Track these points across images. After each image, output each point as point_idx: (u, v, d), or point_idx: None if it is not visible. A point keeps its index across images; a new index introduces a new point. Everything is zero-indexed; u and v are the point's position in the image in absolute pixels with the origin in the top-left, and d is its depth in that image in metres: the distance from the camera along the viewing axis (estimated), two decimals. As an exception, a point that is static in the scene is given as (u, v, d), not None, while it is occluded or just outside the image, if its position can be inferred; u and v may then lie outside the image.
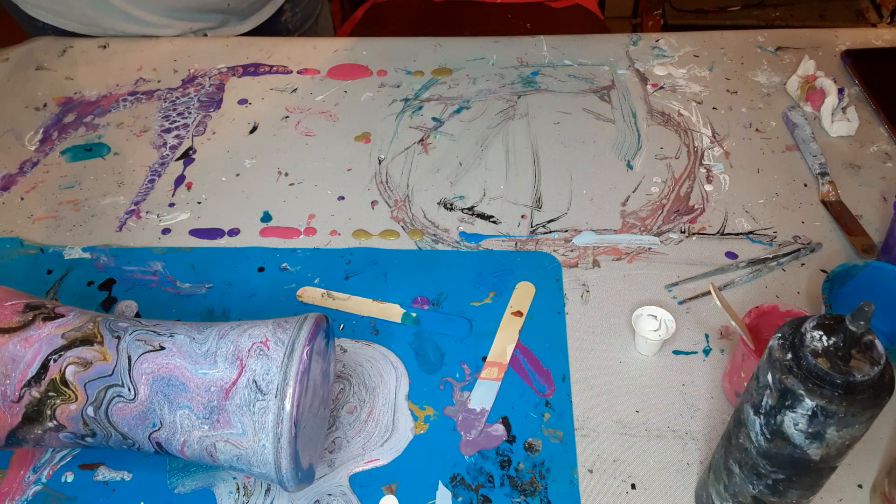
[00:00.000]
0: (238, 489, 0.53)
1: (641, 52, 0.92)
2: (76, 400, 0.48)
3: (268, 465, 0.47)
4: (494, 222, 0.72)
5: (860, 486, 0.52)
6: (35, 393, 0.48)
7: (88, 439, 0.49)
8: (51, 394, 0.48)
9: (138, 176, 0.78)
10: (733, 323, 0.53)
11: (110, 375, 0.48)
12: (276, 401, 0.46)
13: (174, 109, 0.86)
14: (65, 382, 0.48)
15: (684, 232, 0.70)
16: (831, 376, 0.37)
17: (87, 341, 0.50)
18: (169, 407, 0.48)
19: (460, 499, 0.52)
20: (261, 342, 0.48)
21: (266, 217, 0.73)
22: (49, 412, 0.48)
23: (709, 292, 0.64)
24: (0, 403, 0.48)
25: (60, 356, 0.49)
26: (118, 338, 0.50)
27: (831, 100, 0.79)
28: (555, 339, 0.62)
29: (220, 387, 0.47)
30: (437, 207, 0.73)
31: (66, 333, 0.50)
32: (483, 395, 0.58)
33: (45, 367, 0.48)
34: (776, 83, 0.87)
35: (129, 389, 0.48)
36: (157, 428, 0.48)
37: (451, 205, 0.74)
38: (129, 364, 0.49)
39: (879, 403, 0.38)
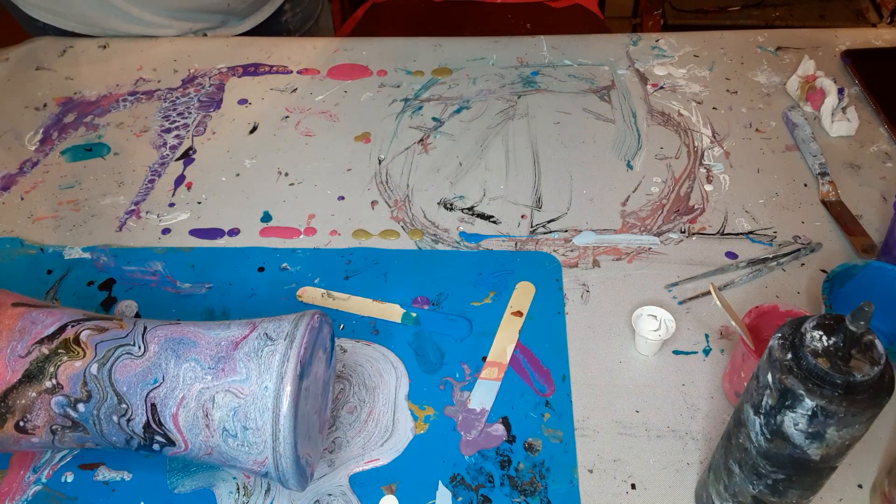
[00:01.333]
0: (238, 489, 0.53)
1: (641, 52, 0.92)
2: (83, 357, 0.49)
3: (265, 413, 0.46)
4: (494, 222, 0.72)
5: (860, 486, 0.52)
6: (44, 349, 0.49)
7: (80, 406, 0.49)
8: (60, 351, 0.49)
9: (138, 176, 0.78)
10: (733, 323, 0.53)
11: (123, 338, 0.50)
12: (284, 342, 0.48)
13: (174, 109, 0.86)
14: (77, 342, 0.49)
15: (684, 232, 0.70)
16: (831, 376, 0.37)
17: (107, 319, 0.52)
18: (175, 361, 0.48)
19: (460, 499, 0.52)
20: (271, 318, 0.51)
21: (266, 217, 0.73)
22: (52, 369, 0.49)
23: (709, 292, 0.64)
24: (7, 358, 0.48)
25: (79, 324, 0.50)
26: (136, 319, 0.52)
27: (831, 100, 0.79)
28: (555, 339, 0.62)
29: (230, 341, 0.49)
30: (437, 207, 0.73)
31: (89, 313, 0.52)
32: (483, 395, 0.58)
33: (62, 329, 0.50)
34: (776, 83, 0.87)
35: (140, 348, 0.49)
36: (156, 385, 0.48)
37: (451, 205, 0.74)
38: (144, 330, 0.50)
39: (879, 403, 0.38)
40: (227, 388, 0.47)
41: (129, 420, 0.49)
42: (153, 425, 0.48)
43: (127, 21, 0.95)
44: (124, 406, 0.49)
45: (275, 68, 0.91)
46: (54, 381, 0.49)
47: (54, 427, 0.49)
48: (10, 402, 0.49)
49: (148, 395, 0.48)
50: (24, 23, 0.99)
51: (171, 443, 0.49)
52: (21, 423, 0.49)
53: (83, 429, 0.49)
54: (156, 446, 0.49)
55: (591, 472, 0.54)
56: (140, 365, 0.49)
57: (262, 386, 0.47)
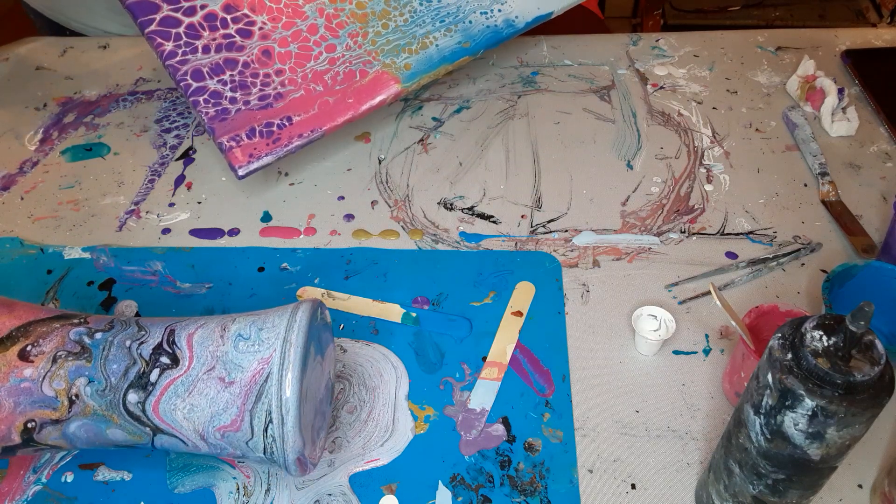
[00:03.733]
0: (238, 489, 0.53)
1: (641, 52, 0.92)
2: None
3: (283, 315, 0.49)
4: (494, 222, 0.72)
5: (860, 486, 0.52)
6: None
7: (98, 335, 0.50)
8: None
9: (138, 176, 0.78)
10: (733, 323, 0.53)
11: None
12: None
13: (174, 109, 0.86)
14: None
15: (684, 232, 0.70)
16: (831, 376, 0.37)
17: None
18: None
19: (460, 499, 0.52)
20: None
21: (266, 217, 0.73)
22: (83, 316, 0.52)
23: (709, 292, 0.64)
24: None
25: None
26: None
27: (831, 100, 0.79)
28: (555, 339, 0.62)
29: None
30: (437, 207, 0.73)
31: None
32: (483, 395, 0.58)
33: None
34: (776, 83, 0.87)
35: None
36: (180, 319, 0.51)
37: (451, 205, 0.74)
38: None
39: (879, 403, 0.38)
40: (245, 315, 0.51)
41: (140, 343, 0.49)
42: (164, 345, 0.49)
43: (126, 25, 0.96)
44: (143, 333, 0.50)
45: (275, 68, 0.91)
46: (83, 318, 0.51)
47: (59, 354, 0.49)
48: (30, 329, 0.50)
49: (169, 325, 0.51)
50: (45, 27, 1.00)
51: (174, 362, 0.49)
52: (28, 348, 0.49)
53: (87, 356, 0.49)
54: (154, 373, 0.48)
55: (591, 472, 0.54)
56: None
57: (279, 313, 0.50)
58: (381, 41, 0.71)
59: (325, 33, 0.71)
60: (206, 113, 0.67)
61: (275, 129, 0.68)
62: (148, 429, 0.48)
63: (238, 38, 0.70)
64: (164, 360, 0.49)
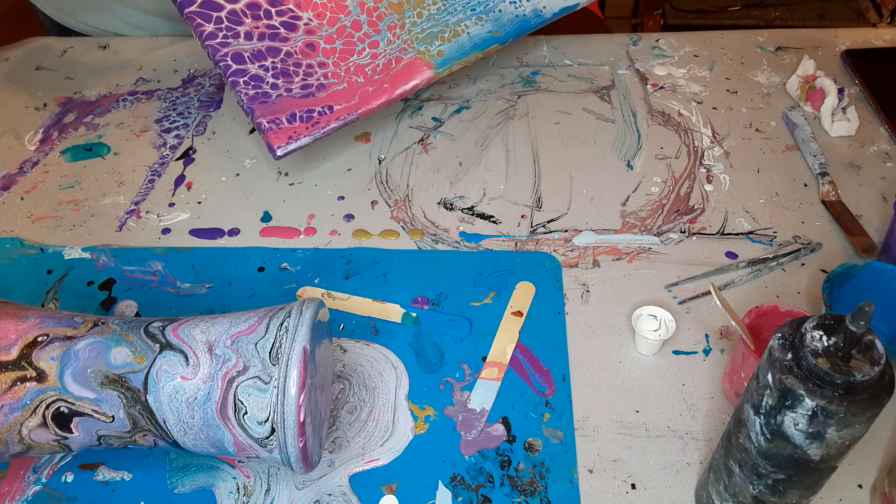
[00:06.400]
0: (238, 489, 0.53)
1: (641, 52, 0.92)
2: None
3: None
4: (494, 222, 0.72)
5: (860, 486, 0.52)
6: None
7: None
8: None
9: (138, 176, 0.78)
10: (733, 323, 0.53)
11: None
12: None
13: (174, 109, 0.86)
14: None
15: (684, 232, 0.70)
16: (831, 376, 0.37)
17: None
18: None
19: (460, 499, 0.52)
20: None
21: (266, 217, 0.73)
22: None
23: (709, 292, 0.64)
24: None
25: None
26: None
27: (831, 100, 0.79)
28: (555, 339, 0.62)
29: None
30: (437, 207, 0.73)
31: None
32: (483, 395, 0.58)
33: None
34: (776, 83, 0.87)
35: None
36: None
37: (451, 205, 0.74)
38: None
39: (879, 403, 0.38)
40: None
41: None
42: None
43: (128, 25, 0.96)
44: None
45: (275, 68, 0.91)
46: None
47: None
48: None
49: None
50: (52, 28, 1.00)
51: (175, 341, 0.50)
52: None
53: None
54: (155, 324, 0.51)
55: (591, 472, 0.54)
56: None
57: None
58: (416, 30, 0.72)
59: (368, 30, 0.72)
60: (246, 93, 0.68)
61: (315, 115, 0.68)
62: (157, 346, 0.49)
63: (282, 30, 0.70)
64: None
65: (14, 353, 0.48)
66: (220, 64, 0.68)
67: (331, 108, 0.69)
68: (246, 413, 0.47)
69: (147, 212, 0.74)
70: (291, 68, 0.70)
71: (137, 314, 0.64)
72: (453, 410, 0.57)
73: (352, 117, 0.70)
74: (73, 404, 0.48)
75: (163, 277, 0.67)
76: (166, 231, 0.72)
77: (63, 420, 0.48)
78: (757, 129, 0.81)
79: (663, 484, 0.53)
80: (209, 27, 0.68)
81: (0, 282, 0.67)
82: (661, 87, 0.87)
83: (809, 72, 0.83)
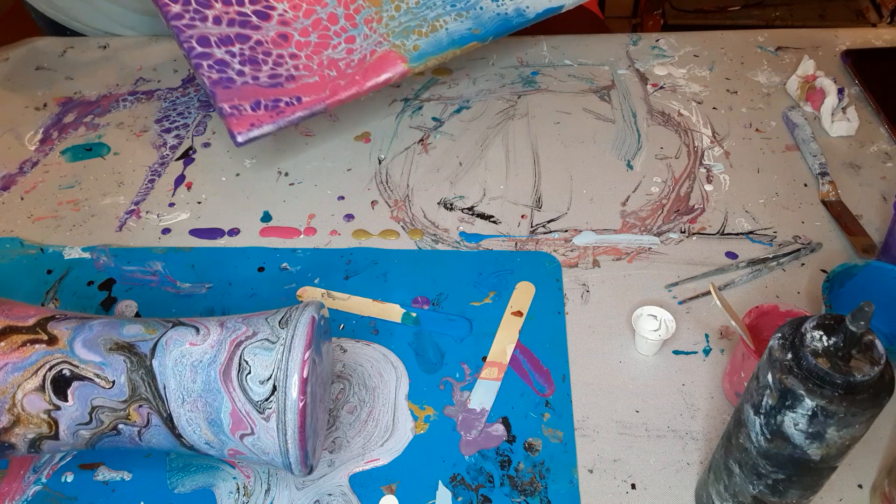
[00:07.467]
0: (238, 489, 0.53)
1: (641, 52, 0.92)
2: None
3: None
4: (494, 222, 0.72)
5: (860, 486, 0.52)
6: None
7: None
8: None
9: (138, 176, 0.78)
10: (733, 323, 0.53)
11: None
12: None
13: (174, 109, 0.86)
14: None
15: (684, 232, 0.70)
16: (831, 376, 0.37)
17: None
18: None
19: (460, 499, 0.52)
20: None
21: (266, 217, 0.73)
22: None
23: (709, 292, 0.64)
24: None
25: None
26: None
27: (831, 100, 0.79)
28: (555, 339, 0.62)
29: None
30: (437, 207, 0.73)
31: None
32: (483, 395, 0.58)
33: None
34: (776, 83, 0.87)
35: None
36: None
37: (451, 205, 0.74)
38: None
39: (879, 403, 0.38)
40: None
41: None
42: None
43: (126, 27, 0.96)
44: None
45: (275, 68, 0.91)
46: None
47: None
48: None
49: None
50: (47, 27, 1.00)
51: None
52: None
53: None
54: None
55: (591, 472, 0.54)
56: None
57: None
58: (394, 24, 0.71)
59: (345, 24, 0.71)
60: (209, 77, 0.67)
61: (282, 104, 0.68)
62: (170, 324, 0.50)
63: (254, 18, 0.69)
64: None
65: (30, 322, 0.49)
66: (185, 45, 0.67)
67: (299, 99, 0.68)
68: (249, 373, 0.47)
69: (147, 212, 0.74)
70: (261, 56, 0.68)
71: (137, 314, 0.64)
72: (453, 410, 0.57)
73: (319, 107, 0.69)
74: (77, 367, 0.48)
75: (163, 277, 0.67)
76: (166, 231, 0.72)
77: (61, 385, 0.48)
78: (757, 129, 0.81)
79: (663, 484, 0.53)
80: (175, 7, 0.67)
81: (0, 282, 0.67)
82: (661, 87, 0.87)
83: (809, 72, 0.83)
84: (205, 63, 0.67)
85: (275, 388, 0.47)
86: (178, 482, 0.54)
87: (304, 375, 0.47)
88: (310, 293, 0.66)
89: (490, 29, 0.76)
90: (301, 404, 0.46)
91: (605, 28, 1.22)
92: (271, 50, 0.69)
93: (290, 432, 0.47)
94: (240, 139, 0.67)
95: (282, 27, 0.70)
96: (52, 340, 0.48)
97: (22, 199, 0.76)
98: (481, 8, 0.75)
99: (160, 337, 0.49)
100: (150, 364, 0.48)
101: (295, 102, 0.68)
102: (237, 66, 0.67)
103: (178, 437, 0.49)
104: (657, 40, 0.94)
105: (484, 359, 0.60)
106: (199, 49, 0.67)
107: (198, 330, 0.49)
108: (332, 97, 0.70)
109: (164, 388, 0.48)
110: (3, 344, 0.48)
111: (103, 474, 0.54)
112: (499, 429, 0.56)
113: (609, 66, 0.90)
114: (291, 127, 0.82)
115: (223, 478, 0.54)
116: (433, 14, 0.72)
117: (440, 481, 0.53)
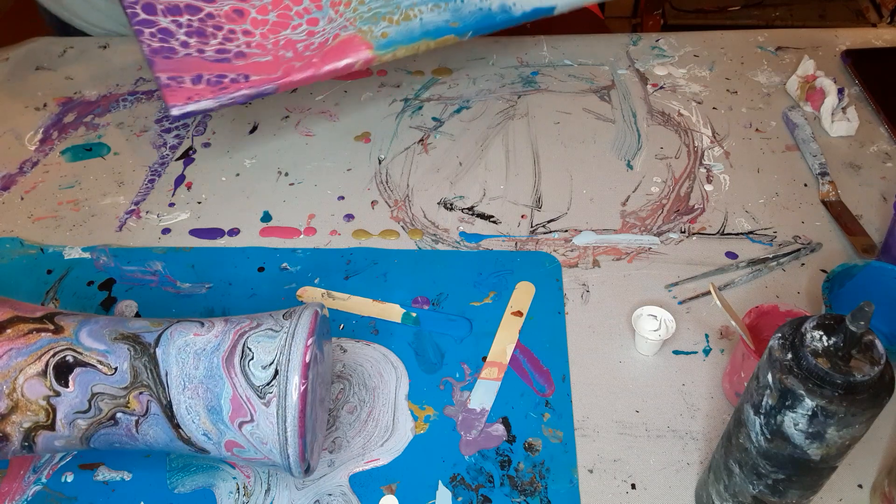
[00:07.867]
0: (238, 489, 0.53)
1: (641, 52, 0.92)
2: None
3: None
4: (494, 222, 0.72)
5: (860, 486, 0.52)
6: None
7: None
8: None
9: (138, 176, 0.78)
10: (733, 323, 0.53)
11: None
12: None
13: (174, 109, 0.85)
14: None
15: (684, 232, 0.70)
16: (831, 376, 0.37)
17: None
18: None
19: (460, 499, 0.52)
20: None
21: (266, 217, 0.73)
22: None
23: (709, 292, 0.64)
24: None
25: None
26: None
27: (831, 100, 0.79)
28: (555, 339, 0.62)
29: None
30: (437, 207, 0.73)
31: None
32: (483, 395, 0.58)
33: None
34: (776, 83, 0.87)
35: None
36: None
37: (451, 205, 0.74)
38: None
39: (879, 403, 0.38)
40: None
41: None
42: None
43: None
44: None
45: (275, 68, 0.91)
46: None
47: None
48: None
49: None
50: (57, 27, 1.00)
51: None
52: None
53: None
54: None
55: (591, 472, 0.54)
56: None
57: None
58: (363, 9, 0.68)
59: (309, 5, 0.67)
60: (149, 45, 0.64)
61: (226, 81, 0.65)
62: (175, 320, 0.51)
63: None
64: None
65: (38, 314, 0.50)
66: (128, 11, 0.64)
67: (247, 77, 0.65)
68: (252, 359, 0.48)
69: (147, 212, 0.74)
70: (210, 29, 0.66)
71: (137, 314, 0.64)
72: (453, 410, 0.57)
73: (269, 88, 0.66)
74: (81, 354, 0.48)
75: (163, 277, 0.67)
76: (166, 231, 0.72)
77: (63, 371, 0.48)
78: (757, 129, 0.81)
79: (663, 484, 0.53)
80: None
81: (0, 282, 0.67)
82: (661, 87, 0.87)
83: (809, 72, 0.83)
84: (146, 30, 0.64)
85: (276, 372, 0.47)
86: (178, 482, 0.54)
87: (307, 360, 0.47)
88: (310, 293, 0.66)
89: (469, 23, 0.72)
90: (303, 388, 0.47)
91: (605, 28, 1.22)
92: (223, 24, 0.66)
93: (290, 419, 0.47)
94: (175, 112, 0.64)
95: (238, 2, 0.66)
96: (58, 330, 0.49)
97: (22, 199, 0.76)
98: (462, 1, 0.71)
99: (165, 328, 0.50)
100: (154, 352, 0.49)
101: (241, 80, 0.65)
102: (182, 37, 0.65)
103: (176, 427, 0.48)
104: (657, 40, 0.94)
105: (484, 359, 0.60)
106: (143, 16, 0.64)
107: (202, 324, 0.50)
108: (284, 78, 0.67)
109: (167, 375, 0.48)
110: (9, 331, 0.48)
111: (103, 474, 0.54)
112: (499, 429, 0.56)
113: (609, 66, 0.90)
114: (291, 126, 0.82)
115: (223, 478, 0.54)
116: (407, 2, 0.68)
117: (440, 481, 0.53)
